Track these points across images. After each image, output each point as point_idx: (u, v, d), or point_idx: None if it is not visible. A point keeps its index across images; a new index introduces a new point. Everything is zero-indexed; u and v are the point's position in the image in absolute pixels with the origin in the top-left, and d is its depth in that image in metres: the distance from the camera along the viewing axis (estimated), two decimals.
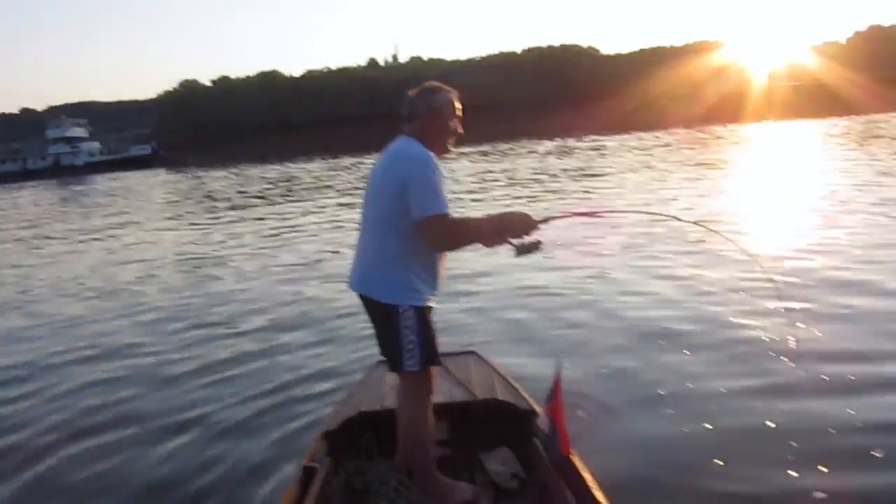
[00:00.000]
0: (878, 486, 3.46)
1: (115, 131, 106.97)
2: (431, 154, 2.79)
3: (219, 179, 39.59)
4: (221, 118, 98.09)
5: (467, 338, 5.82)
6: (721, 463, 3.75)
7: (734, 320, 6.10)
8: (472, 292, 7.70)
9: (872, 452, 3.72)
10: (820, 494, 3.38)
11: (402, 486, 3.04)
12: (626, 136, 44.34)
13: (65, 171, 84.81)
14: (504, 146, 45.73)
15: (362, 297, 2.94)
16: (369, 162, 40.00)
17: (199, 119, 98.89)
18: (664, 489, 3.55)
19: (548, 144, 43.42)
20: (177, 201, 26.77)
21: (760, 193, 14.36)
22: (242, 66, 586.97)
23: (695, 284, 7.41)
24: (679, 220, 4.53)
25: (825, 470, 3.58)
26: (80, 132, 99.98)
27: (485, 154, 38.05)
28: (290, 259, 11.06)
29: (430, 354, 2.88)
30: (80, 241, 16.35)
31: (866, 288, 6.72)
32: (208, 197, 27.00)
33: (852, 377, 4.66)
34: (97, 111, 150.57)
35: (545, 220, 2.96)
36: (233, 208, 21.20)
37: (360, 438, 3.36)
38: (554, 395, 2.89)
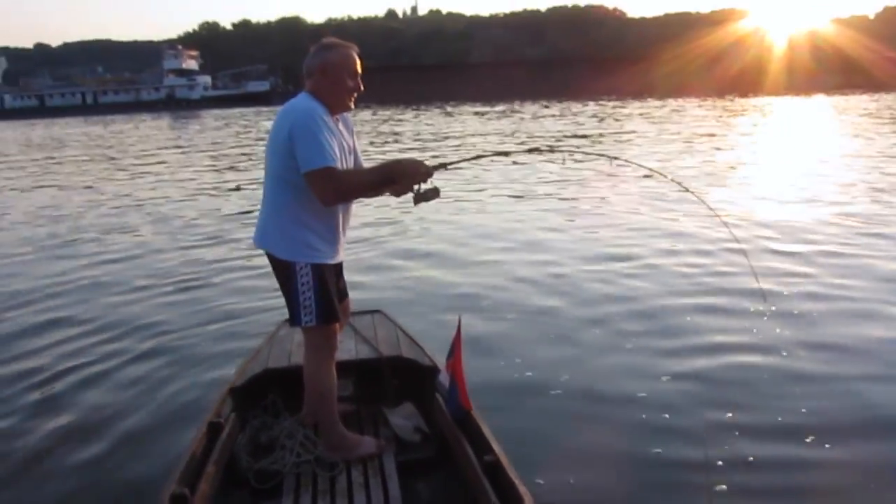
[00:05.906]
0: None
1: (224, 67, 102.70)
2: (318, 107, 2.76)
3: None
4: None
5: (375, 297, 5.79)
6: (620, 413, 3.80)
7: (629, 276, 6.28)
8: (380, 252, 7.72)
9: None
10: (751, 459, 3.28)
11: (308, 440, 3.05)
12: (646, 103, 43.64)
13: (179, 105, 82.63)
14: (519, 106, 45.13)
15: (266, 252, 2.94)
16: (388, 114, 39.72)
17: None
18: (561, 443, 3.57)
19: (557, 106, 42.80)
20: None
21: (758, 171, 13.50)
22: (264, 11, 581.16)
23: (614, 237, 7.66)
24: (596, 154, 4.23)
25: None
26: (193, 65, 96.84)
27: (504, 114, 37.52)
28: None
29: (327, 311, 2.87)
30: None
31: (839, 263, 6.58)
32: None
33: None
34: (117, 50, 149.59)
35: (441, 167, 2.94)
36: None
37: (267, 395, 3.35)
38: (455, 352, 2.90)
